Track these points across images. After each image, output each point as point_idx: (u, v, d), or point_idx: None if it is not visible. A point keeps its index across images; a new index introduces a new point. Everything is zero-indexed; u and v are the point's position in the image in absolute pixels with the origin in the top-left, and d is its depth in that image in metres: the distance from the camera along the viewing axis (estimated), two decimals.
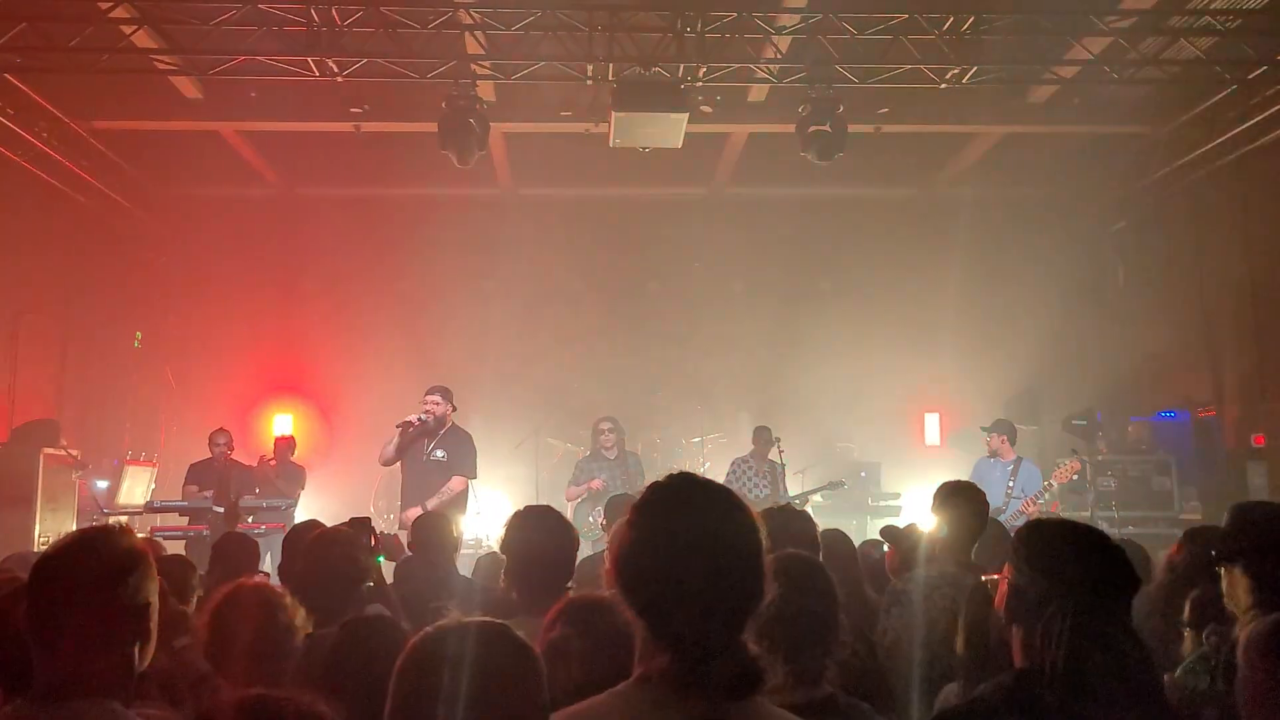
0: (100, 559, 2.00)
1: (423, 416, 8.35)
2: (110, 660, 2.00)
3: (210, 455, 9.88)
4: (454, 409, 8.62)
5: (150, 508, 9.40)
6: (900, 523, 7.61)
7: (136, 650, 2.04)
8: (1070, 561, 2.30)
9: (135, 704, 2.08)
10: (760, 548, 1.71)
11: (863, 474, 12.02)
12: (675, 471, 1.83)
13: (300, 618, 2.89)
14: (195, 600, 4.65)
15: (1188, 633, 3.42)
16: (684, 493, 1.76)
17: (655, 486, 1.78)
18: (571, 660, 2.29)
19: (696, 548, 1.67)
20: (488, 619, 1.85)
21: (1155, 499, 10.18)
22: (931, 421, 13.47)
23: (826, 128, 9.45)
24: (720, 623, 1.65)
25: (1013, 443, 9.56)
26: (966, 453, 10.85)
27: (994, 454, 9.57)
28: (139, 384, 12.26)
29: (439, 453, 8.38)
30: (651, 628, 1.69)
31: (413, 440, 8.42)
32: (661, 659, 1.65)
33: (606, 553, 1.80)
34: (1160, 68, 9.58)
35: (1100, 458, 10.47)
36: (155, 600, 2.08)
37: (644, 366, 12.71)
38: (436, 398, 8.43)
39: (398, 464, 8.59)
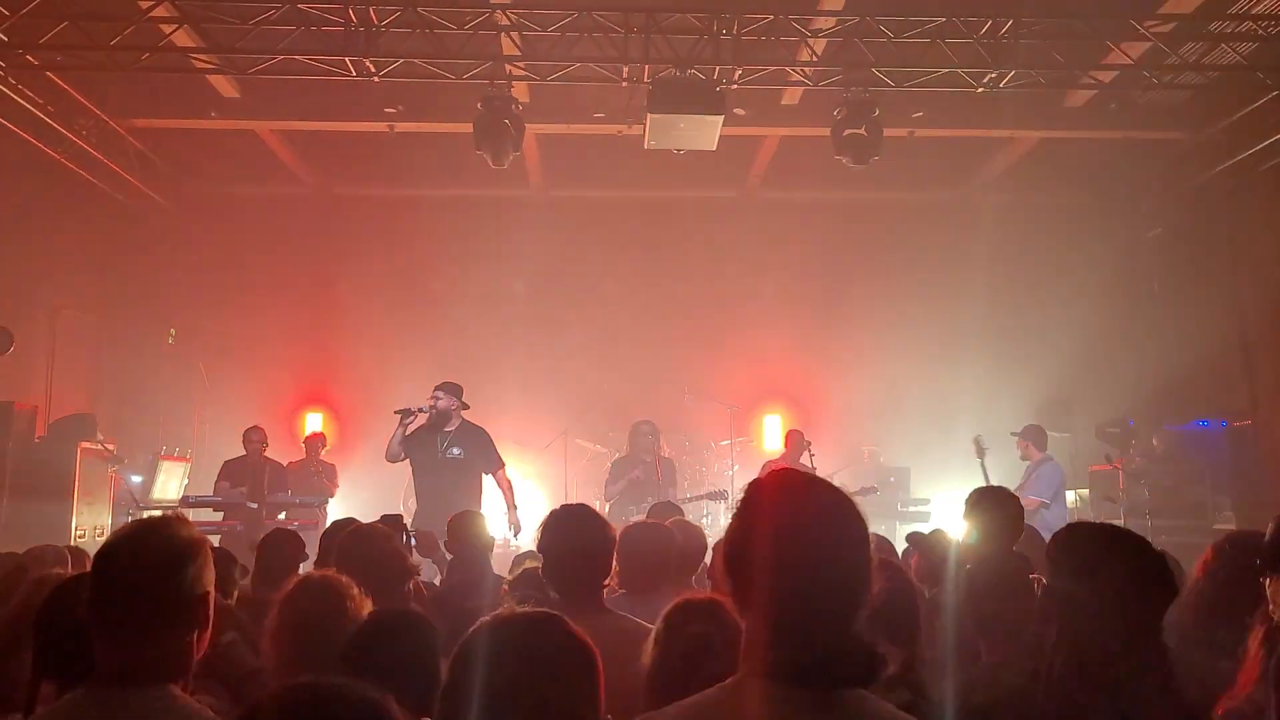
0: (163, 547, 2.03)
1: (424, 407, 8.28)
2: (170, 646, 2.03)
3: (245, 453, 9.95)
4: (464, 406, 8.56)
5: (185, 502, 9.49)
6: (928, 529, 7.59)
7: (195, 638, 2.07)
8: (1104, 564, 2.29)
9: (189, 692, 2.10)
10: (863, 537, 1.72)
11: (892, 479, 11.97)
12: (781, 468, 1.85)
13: (367, 608, 2.91)
14: (235, 595, 4.69)
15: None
16: (792, 485, 1.78)
17: (758, 481, 1.80)
18: (715, 654, 2.29)
19: (805, 537, 1.68)
20: (544, 610, 1.87)
21: (1189, 509, 10.07)
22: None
23: (862, 131, 9.42)
24: (831, 612, 1.66)
25: (1040, 447, 9.56)
26: (996, 458, 10.83)
27: (1024, 459, 9.59)
28: (173, 380, 12.37)
29: (455, 450, 8.33)
30: (761, 619, 1.70)
31: (421, 439, 8.36)
32: (771, 651, 1.67)
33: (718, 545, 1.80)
34: (1200, 72, 9.50)
35: (1133, 466, 10.40)
36: (212, 590, 2.11)
37: (673, 368, 12.71)
38: (441, 393, 8.39)
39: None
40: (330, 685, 1.76)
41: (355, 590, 2.89)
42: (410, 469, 8.68)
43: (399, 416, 8.36)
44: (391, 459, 8.60)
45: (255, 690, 2.85)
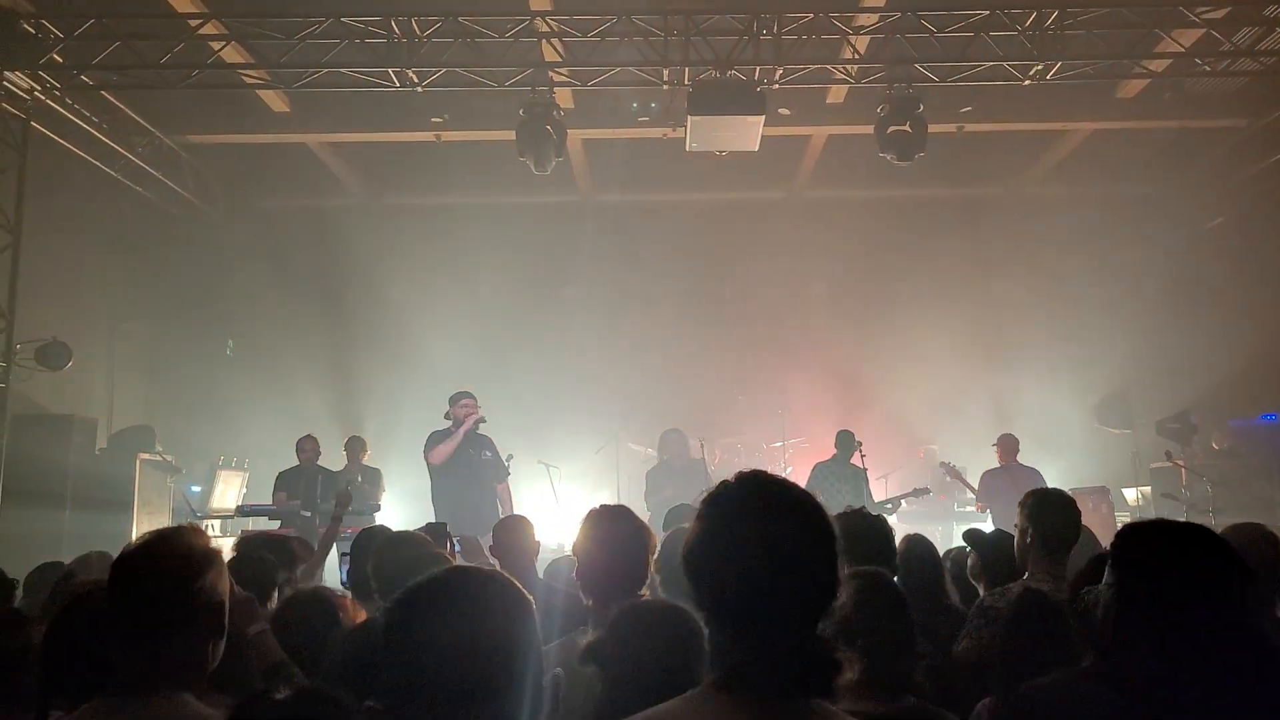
0: (179, 557, 2.07)
1: (482, 418, 8.43)
2: (187, 655, 2.06)
3: (298, 462, 10.05)
4: None
5: (241, 512, 9.62)
6: (986, 528, 7.48)
7: (210, 646, 2.10)
8: (1165, 563, 2.20)
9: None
10: (828, 544, 1.68)
11: (947, 478, 11.78)
12: (746, 470, 1.80)
13: (360, 618, 2.92)
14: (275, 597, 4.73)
15: None
16: (751, 489, 1.74)
17: (724, 483, 1.76)
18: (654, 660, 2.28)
19: (762, 542, 1.64)
20: (479, 567, 1.84)
21: (1255, 505, 9.77)
22: None
23: (906, 128, 9.31)
24: (788, 618, 1.63)
25: (1009, 453, 9.82)
26: (1055, 456, 10.67)
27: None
28: (230, 390, 12.54)
29: (487, 453, 8.49)
30: (720, 625, 1.67)
31: (457, 446, 8.43)
32: (730, 657, 1.64)
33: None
34: (1255, 59, 9.26)
35: (1196, 461, 10.16)
36: (227, 599, 2.15)
37: (724, 371, 12.66)
38: (472, 400, 8.49)
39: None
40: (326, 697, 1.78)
41: (347, 602, 2.91)
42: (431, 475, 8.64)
43: (474, 427, 8.44)
44: (440, 461, 8.47)
45: (282, 684, 2.86)
